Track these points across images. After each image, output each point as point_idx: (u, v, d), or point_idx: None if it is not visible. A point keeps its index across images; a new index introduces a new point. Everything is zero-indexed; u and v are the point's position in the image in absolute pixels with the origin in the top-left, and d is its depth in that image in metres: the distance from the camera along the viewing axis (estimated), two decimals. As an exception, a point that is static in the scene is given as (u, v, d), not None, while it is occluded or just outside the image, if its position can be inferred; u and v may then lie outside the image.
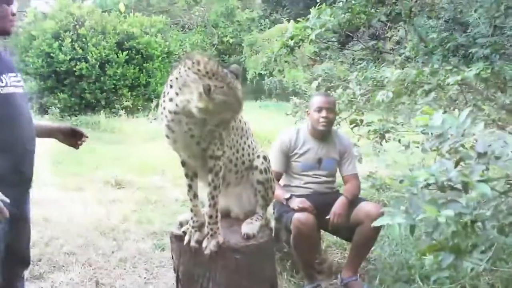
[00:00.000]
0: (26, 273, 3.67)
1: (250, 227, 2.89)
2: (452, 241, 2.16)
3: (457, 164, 2.11)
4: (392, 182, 6.03)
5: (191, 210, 2.84)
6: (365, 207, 3.47)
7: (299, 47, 5.39)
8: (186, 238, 2.80)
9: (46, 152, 8.07)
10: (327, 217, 3.47)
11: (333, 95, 3.89)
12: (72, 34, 13.60)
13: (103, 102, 13.61)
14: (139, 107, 14.22)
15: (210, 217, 2.70)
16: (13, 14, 2.33)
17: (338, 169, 3.86)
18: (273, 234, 3.31)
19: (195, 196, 2.82)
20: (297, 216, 3.30)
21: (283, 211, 3.58)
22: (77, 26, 13.77)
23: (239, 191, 3.03)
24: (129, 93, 14.08)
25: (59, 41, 13.37)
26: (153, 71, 14.73)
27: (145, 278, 3.81)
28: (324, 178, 3.74)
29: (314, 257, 3.60)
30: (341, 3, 5.17)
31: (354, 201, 3.56)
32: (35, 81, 13.25)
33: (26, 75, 13.34)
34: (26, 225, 2.67)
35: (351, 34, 6.07)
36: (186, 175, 2.83)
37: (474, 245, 2.21)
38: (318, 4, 5.05)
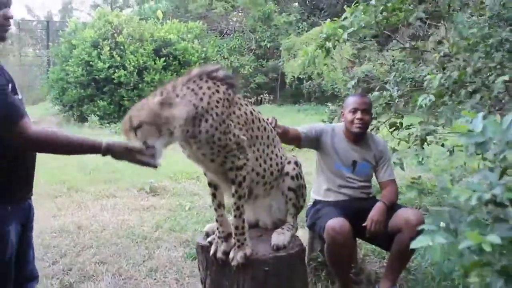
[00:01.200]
0: (56, 282, 3.67)
1: (281, 238, 2.76)
2: (499, 262, 1.95)
3: (502, 174, 1.89)
4: (434, 187, 5.79)
5: (216, 221, 2.73)
6: (404, 214, 3.26)
7: (334, 47, 5.22)
8: (213, 249, 2.69)
9: (81, 159, 8.18)
10: (364, 224, 3.28)
11: (369, 97, 3.67)
12: (111, 42, 13.78)
13: (141, 109, 13.69)
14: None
15: (237, 228, 2.59)
16: (7, 18, 2.15)
17: (374, 175, 3.67)
18: (305, 244, 3.16)
19: (220, 205, 2.71)
20: (331, 223, 3.10)
21: (316, 218, 3.41)
22: (115, 34, 13.94)
23: (268, 202, 2.90)
24: (167, 99, 14.13)
25: (98, 49, 13.57)
26: (191, 77, 14.66)
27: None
28: (359, 183, 3.55)
29: (350, 267, 3.39)
30: (373, 1, 4.99)
31: (392, 207, 3.36)
32: (75, 89, 13.46)
33: (67, 84, 13.59)
34: (31, 236, 2.55)
35: (390, 35, 5.84)
36: (209, 184, 2.74)
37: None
38: (354, 3, 4.88)
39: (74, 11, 18.49)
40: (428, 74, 3.67)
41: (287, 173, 2.83)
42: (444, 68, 3.78)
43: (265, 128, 2.74)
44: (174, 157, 9.20)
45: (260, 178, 2.71)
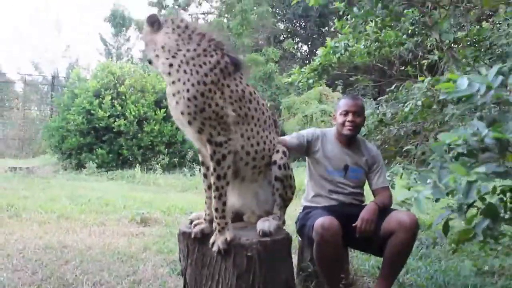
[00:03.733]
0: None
1: (266, 224, 2.66)
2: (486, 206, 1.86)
3: (489, 126, 1.86)
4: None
5: (205, 202, 2.66)
6: (397, 216, 3.13)
7: (328, 74, 5.27)
8: (195, 230, 2.58)
9: (74, 192, 8.11)
10: (354, 224, 3.16)
11: (361, 100, 3.65)
12: (112, 92, 13.95)
13: (140, 158, 13.67)
14: (175, 164, 14.21)
15: (216, 210, 2.52)
16: None
17: (367, 182, 3.58)
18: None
19: (210, 186, 2.62)
20: (320, 220, 2.97)
21: (305, 220, 3.29)
22: (117, 85, 14.14)
23: (254, 189, 2.81)
24: (166, 150, 14.14)
25: (100, 98, 13.72)
26: (190, 129, 14.75)
27: (158, 299, 3.54)
28: (351, 189, 3.46)
29: (339, 273, 3.22)
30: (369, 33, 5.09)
31: (385, 212, 3.24)
32: (75, 137, 13.49)
33: (66, 131, 13.64)
34: None
35: (383, 67, 5.91)
36: (202, 164, 2.69)
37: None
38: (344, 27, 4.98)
39: (81, 69, 18.69)
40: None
41: (275, 162, 2.76)
42: (434, 75, 3.77)
43: (263, 112, 2.71)
44: (169, 194, 9.20)
45: (250, 159, 2.64)
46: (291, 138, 3.53)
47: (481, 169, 1.66)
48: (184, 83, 2.38)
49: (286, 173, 2.77)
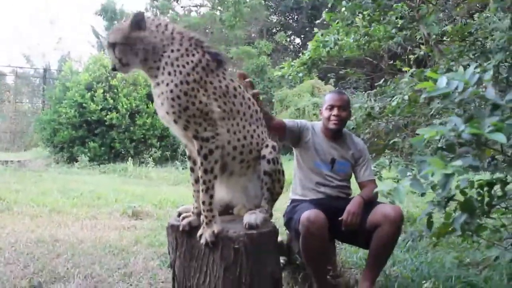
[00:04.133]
0: (25, 283, 3.54)
1: (253, 216, 2.69)
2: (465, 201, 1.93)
3: (466, 122, 1.91)
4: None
5: (193, 196, 2.70)
6: (382, 209, 3.20)
7: (317, 67, 5.31)
8: (183, 223, 2.62)
9: (66, 186, 8.14)
10: (341, 218, 3.22)
11: (347, 94, 3.70)
12: (104, 85, 13.93)
13: (132, 152, 13.70)
14: (167, 157, 14.25)
15: (203, 203, 2.54)
16: None
17: (354, 175, 3.64)
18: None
19: (197, 181, 2.65)
20: (306, 214, 3.04)
21: (293, 213, 3.35)
22: (110, 78, 14.12)
23: (243, 183, 2.83)
24: (158, 143, 14.17)
25: (92, 91, 13.70)
26: (182, 122, 14.76)
27: (148, 291, 3.60)
28: (338, 182, 3.52)
29: (326, 265, 3.28)
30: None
31: (371, 205, 3.30)
32: (67, 130, 13.48)
33: (58, 125, 13.63)
34: None
35: (372, 60, 5.93)
36: (189, 158, 2.71)
37: (490, 205, 1.97)
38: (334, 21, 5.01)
39: (73, 62, 18.61)
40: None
41: (264, 157, 2.78)
42: (421, 70, 3.81)
43: (249, 107, 2.71)
44: (161, 187, 9.23)
45: (238, 153, 2.66)
46: (288, 121, 3.59)
47: (458, 162, 1.72)
48: (167, 85, 2.40)
49: (275, 167, 2.79)
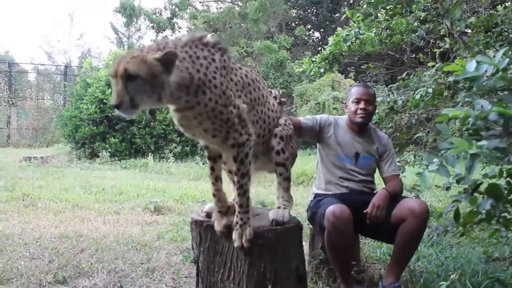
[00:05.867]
0: (50, 277, 3.58)
1: (280, 213, 2.67)
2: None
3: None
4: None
5: (214, 195, 2.64)
6: (407, 203, 3.16)
7: (338, 62, 5.26)
8: (218, 229, 2.57)
9: (87, 182, 8.22)
10: (365, 210, 3.18)
11: (373, 88, 3.64)
12: (125, 81, 13.99)
13: (152, 147, 13.76)
14: (187, 153, 14.29)
15: (240, 206, 2.47)
16: None
17: (378, 170, 3.60)
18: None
19: (217, 179, 2.62)
20: (331, 208, 3.01)
21: (317, 208, 3.31)
22: (129, 74, 14.18)
23: (268, 157, 2.77)
24: (178, 138, 14.21)
25: (112, 88, 13.78)
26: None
27: (171, 286, 3.60)
28: (361, 177, 3.48)
29: (350, 260, 3.24)
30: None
31: (396, 199, 3.26)
32: (88, 126, 13.60)
33: (80, 121, 13.75)
34: None
35: (394, 54, 5.88)
36: (209, 158, 2.64)
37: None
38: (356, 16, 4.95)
39: (93, 59, 18.77)
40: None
41: (272, 148, 2.72)
42: (447, 64, 3.75)
43: (258, 88, 2.63)
44: (182, 182, 9.26)
45: (261, 139, 2.64)
46: (305, 119, 3.56)
47: (483, 142, 1.68)
48: (205, 105, 2.23)
49: (285, 156, 2.70)
